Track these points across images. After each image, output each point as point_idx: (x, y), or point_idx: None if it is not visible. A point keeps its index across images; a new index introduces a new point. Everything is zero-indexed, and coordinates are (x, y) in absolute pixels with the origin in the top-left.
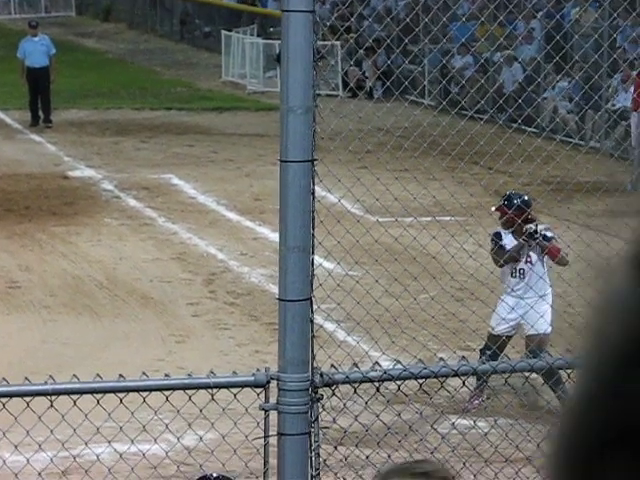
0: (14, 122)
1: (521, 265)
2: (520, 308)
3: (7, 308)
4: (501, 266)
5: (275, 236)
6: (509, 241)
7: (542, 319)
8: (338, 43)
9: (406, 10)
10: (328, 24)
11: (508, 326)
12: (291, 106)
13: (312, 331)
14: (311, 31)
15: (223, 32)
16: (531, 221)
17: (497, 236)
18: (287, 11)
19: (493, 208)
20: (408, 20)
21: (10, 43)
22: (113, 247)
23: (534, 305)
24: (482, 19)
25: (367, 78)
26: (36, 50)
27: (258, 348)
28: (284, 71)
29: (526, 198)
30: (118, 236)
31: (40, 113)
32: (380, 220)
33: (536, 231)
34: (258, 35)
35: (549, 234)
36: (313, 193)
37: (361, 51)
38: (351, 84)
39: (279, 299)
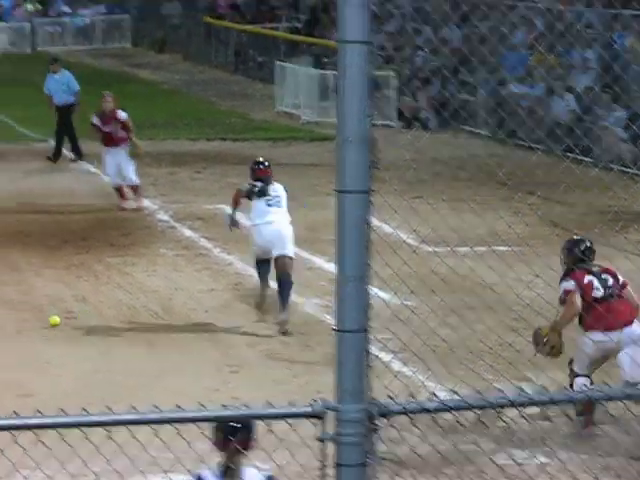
0: (69, 152)
1: None
2: None
3: (63, 338)
4: None
5: (330, 266)
6: None
7: None
8: (393, 73)
9: (461, 40)
10: (383, 54)
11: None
12: (347, 136)
13: (368, 361)
14: (367, 62)
15: (277, 63)
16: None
17: None
18: (343, 42)
19: None
20: (464, 50)
21: None
22: (169, 277)
23: None
24: (539, 49)
25: (422, 108)
26: (57, 88)
27: (314, 378)
28: (340, 102)
29: None
30: (174, 266)
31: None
32: (436, 250)
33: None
34: (312, 66)
35: None
36: (369, 223)
37: (416, 81)
38: (406, 114)
39: (335, 329)
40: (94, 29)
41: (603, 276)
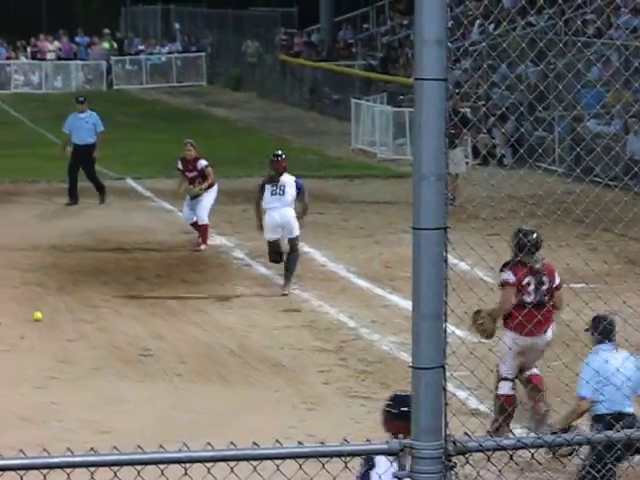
0: (145, 190)
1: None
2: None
3: (139, 376)
4: None
5: (405, 304)
6: None
7: None
8: (468, 110)
9: (537, 77)
10: (458, 91)
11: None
12: (424, 174)
13: (445, 399)
14: (444, 99)
15: (353, 100)
16: None
17: None
18: (420, 79)
19: None
20: (541, 87)
21: (142, 112)
22: (244, 315)
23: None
24: (615, 85)
25: (497, 145)
26: (82, 127)
27: None
28: (417, 139)
29: None
30: (249, 304)
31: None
32: None
33: None
34: (387, 103)
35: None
36: (446, 261)
37: (492, 118)
38: (482, 152)
39: (412, 367)
40: (170, 67)
41: (543, 278)
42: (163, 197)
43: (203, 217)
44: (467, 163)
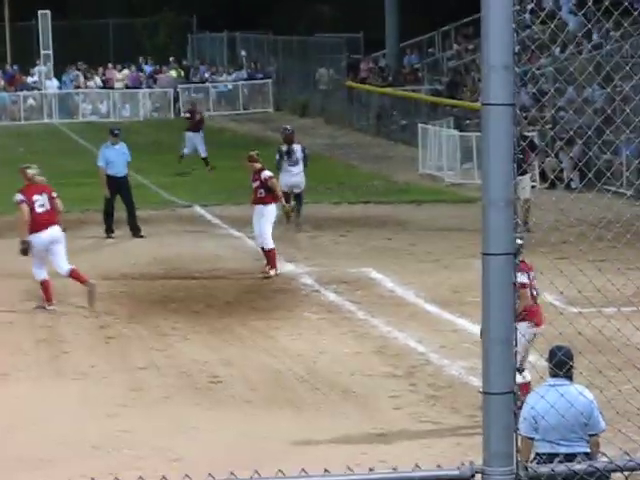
0: (214, 218)
1: None
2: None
3: (209, 403)
4: None
5: (474, 328)
6: None
7: None
8: (536, 135)
9: (604, 100)
10: (525, 115)
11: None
12: (492, 199)
13: (516, 424)
14: (511, 124)
15: (419, 125)
16: None
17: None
18: (487, 104)
19: None
20: (608, 110)
21: (209, 140)
22: (313, 341)
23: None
24: None
25: (565, 169)
26: (118, 159)
27: (460, 441)
28: (485, 164)
29: None
30: (318, 330)
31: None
32: (582, 311)
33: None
34: (454, 127)
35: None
36: (515, 285)
37: (559, 142)
38: (550, 176)
39: (483, 392)
40: (237, 94)
41: (532, 274)
42: (231, 224)
43: (267, 242)
44: (533, 187)
